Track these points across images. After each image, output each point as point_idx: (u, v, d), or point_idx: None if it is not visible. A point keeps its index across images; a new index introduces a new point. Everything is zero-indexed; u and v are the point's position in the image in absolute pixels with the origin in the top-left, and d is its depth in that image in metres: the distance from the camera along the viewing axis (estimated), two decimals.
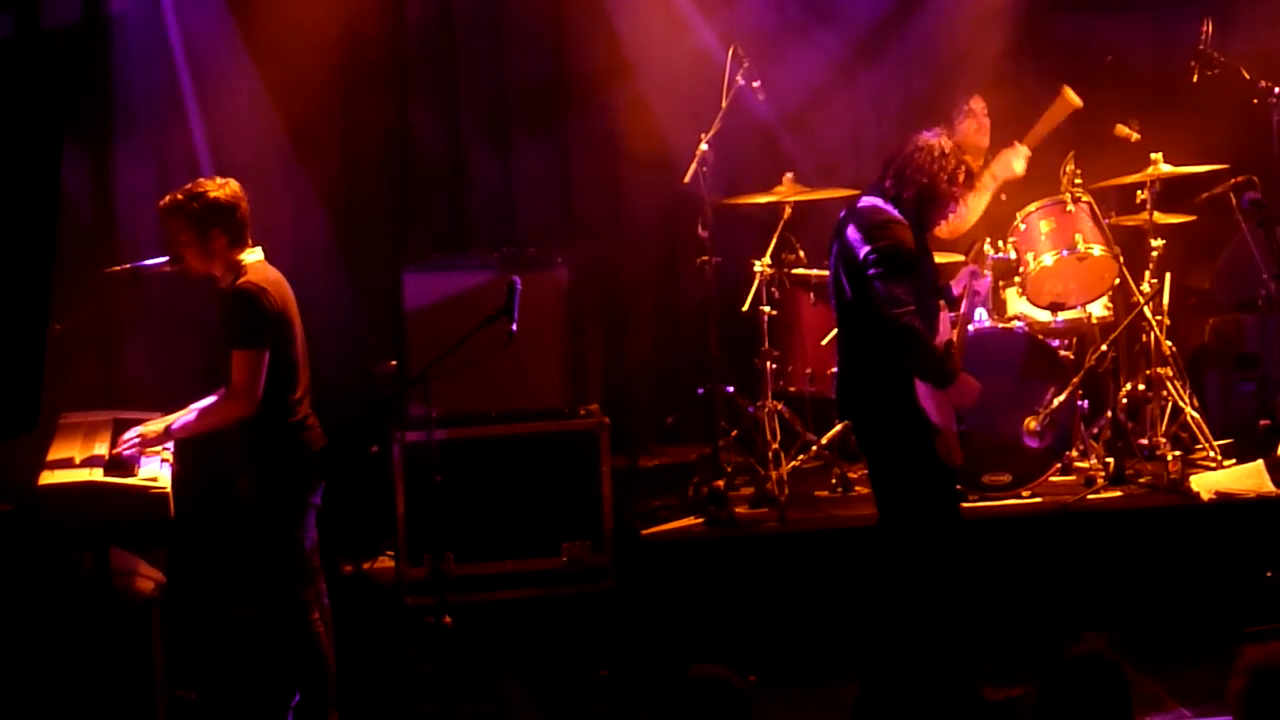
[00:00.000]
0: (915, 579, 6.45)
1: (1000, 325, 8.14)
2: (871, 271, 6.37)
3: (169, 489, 5.98)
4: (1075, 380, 8.04)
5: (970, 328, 7.60)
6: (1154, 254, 8.30)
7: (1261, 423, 8.58)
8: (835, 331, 8.16)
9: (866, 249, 6.39)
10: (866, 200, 6.56)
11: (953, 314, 6.67)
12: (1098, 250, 8.18)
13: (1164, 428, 8.37)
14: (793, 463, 8.30)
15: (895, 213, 6.47)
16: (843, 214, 6.62)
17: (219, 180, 6.45)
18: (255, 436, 6.35)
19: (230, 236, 6.37)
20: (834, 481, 8.34)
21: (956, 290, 6.74)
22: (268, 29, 8.65)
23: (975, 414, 6.80)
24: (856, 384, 6.59)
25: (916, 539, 6.48)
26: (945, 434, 6.44)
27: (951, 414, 6.47)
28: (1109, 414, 8.42)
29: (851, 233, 6.48)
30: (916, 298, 6.37)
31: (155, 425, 6.38)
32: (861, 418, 6.69)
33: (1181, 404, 8.36)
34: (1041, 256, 8.19)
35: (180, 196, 6.38)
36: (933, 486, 6.52)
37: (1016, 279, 8.30)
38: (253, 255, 6.43)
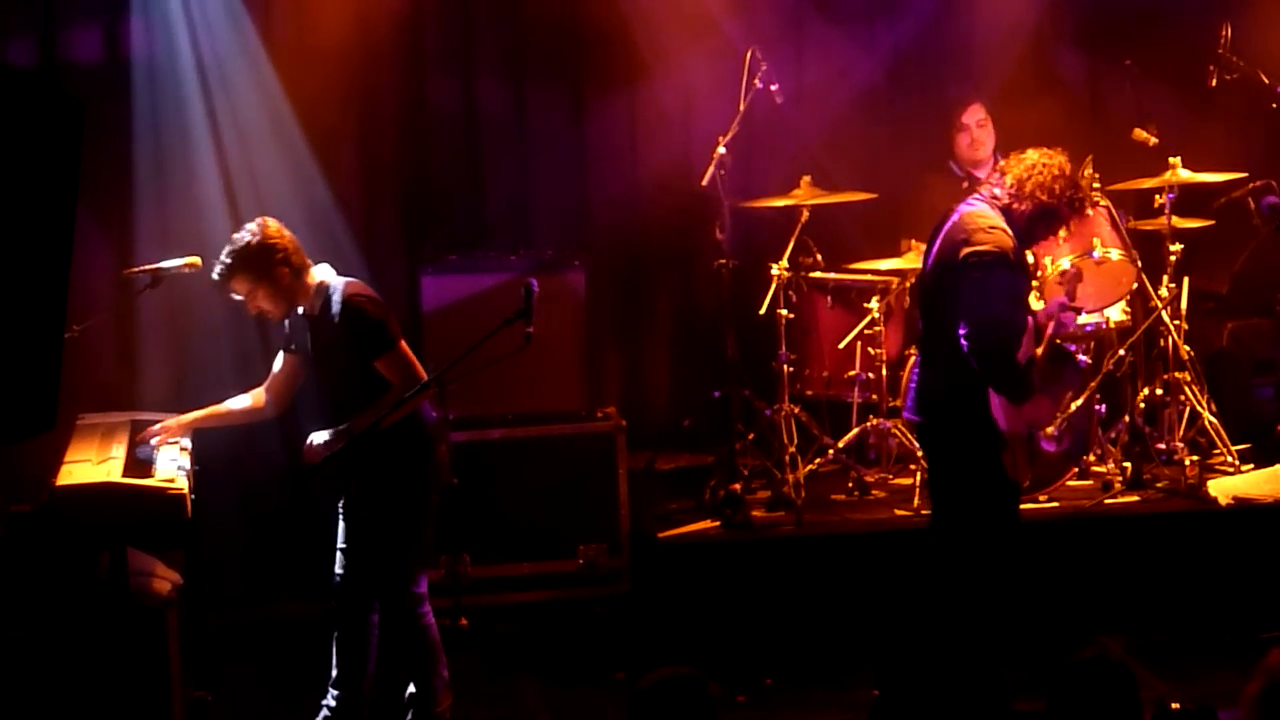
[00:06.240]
0: (962, 589, 6.39)
1: None
2: (969, 273, 6.20)
3: (186, 490, 6.00)
4: (1093, 385, 8.03)
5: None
6: (1172, 258, 8.29)
7: (1279, 428, 8.56)
8: (853, 333, 8.32)
9: (968, 250, 6.22)
10: (973, 204, 6.40)
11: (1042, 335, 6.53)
12: (1116, 254, 8.15)
13: (1182, 432, 8.36)
14: (809, 466, 8.29)
15: (1003, 221, 6.33)
16: (945, 214, 6.46)
17: (249, 227, 6.49)
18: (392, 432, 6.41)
19: (292, 265, 6.43)
20: (850, 485, 8.33)
21: (1040, 319, 6.53)
22: (286, 33, 8.67)
23: None
24: (934, 385, 6.42)
25: (969, 549, 6.39)
26: (1014, 448, 6.31)
27: (1023, 428, 6.32)
28: (1126, 418, 8.40)
29: (953, 232, 6.32)
30: (1008, 309, 6.25)
31: (339, 428, 6.44)
32: (933, 419, 6.48)
33: (1199, 409, 8.35)
34: (1059, 260, 8.17)
35: (227, 259, 6.43)
36: (993, 500, 6.38)
37: (1034, 283, 8.27)
38: (323, 271, 6.50)
